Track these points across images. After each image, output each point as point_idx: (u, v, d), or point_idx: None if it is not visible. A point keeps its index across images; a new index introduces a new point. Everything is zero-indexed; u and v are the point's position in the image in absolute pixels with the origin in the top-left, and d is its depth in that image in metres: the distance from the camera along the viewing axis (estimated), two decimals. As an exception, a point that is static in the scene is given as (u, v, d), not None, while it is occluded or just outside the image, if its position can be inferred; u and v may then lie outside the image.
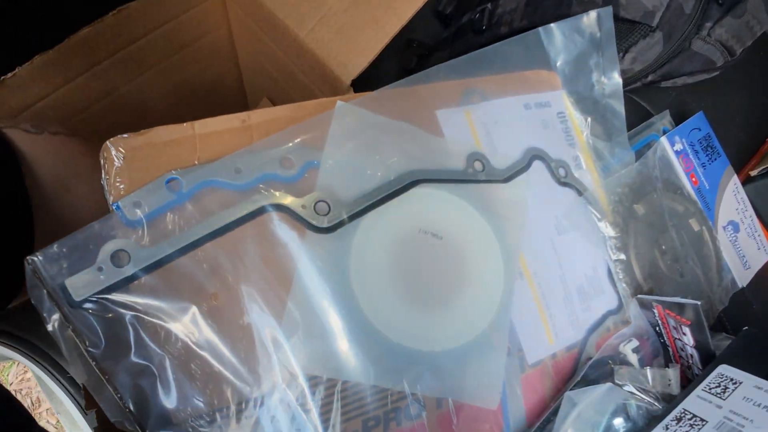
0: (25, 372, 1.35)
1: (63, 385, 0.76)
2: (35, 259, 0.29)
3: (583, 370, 0.42)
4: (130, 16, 0.54)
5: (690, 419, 0.38)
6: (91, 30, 0.52)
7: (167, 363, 0.32)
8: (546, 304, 0.43)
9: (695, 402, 0.39)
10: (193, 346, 0.33)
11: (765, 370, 0.38)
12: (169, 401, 0.32)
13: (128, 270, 0.31)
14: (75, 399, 0.78)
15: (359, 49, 0.47)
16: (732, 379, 0.39)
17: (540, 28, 0.45)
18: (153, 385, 0.32)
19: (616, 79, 0.47)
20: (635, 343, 0.43)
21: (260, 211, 0.34)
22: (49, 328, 0.30)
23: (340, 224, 0.36)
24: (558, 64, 0.47)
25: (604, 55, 0.47)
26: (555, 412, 0.40)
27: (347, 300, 0.36)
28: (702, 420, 0.37)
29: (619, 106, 0.48)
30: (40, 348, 0.77)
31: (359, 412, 0.36)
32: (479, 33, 0.63)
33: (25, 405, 0.82)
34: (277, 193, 0.35)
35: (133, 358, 0.31)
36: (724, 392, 0.38)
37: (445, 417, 0.38)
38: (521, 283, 0.42)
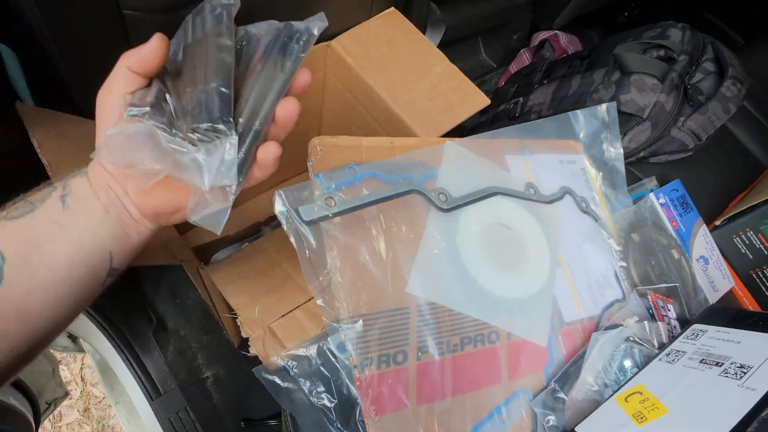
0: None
1: (136, 372, 0.90)
2: (281, 192, 0.50)
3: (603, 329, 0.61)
4: None
5: (675, 353, 0.57)
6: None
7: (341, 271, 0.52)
8: (576, 285, 0.63)
9: (677, 344, 0.58)
10: (361, 264, 0.52)
11: (723, 323, 0.58)
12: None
13: (333, 209, 0.51)
14: (145, 387, 0.91)
15: (434, 125, 0.71)
16: (701, 330, 0.59)
17: (570, 113, 0.70)
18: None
19: (619, 149, 0.71)
20: (635, 318, 0.63)
21: (408, 192, 0.55)
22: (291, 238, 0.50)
23: (454, 208, 0.57)
24: (581, 136, 0.70)
25: (611, 132, 0.71)
26: (583, 354, 0.59)
27: (454, 255, 0.56)
28: (683, 352, 0.57)
29: (621, 167, 0.71)
30: (124, 335, 0.92)
31: (460, 332, 0.55)
32: (513, 119, 0.88)
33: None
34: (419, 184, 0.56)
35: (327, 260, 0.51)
36: (696, 337, 0.58)
37: (512, 346, 0.57)
38: (559, 269, 0.63)
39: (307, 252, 0.51)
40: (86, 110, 0.63)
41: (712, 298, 0.73)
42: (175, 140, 0.40)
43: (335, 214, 0.52)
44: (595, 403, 0.56)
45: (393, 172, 0.56)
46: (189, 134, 0.40)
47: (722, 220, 0.77)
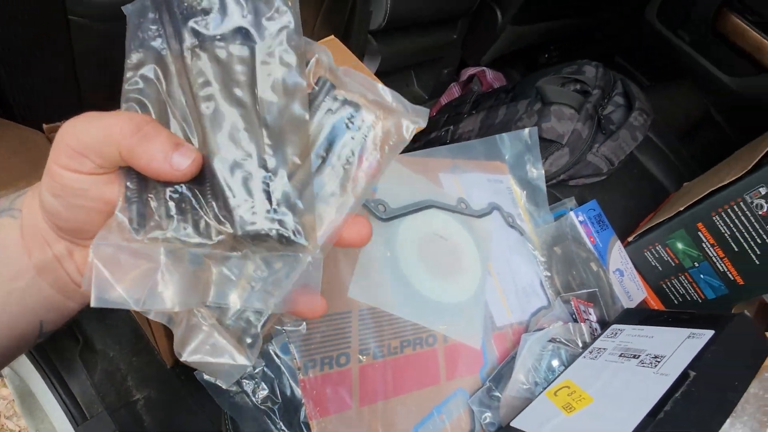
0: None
1: (60, 395, 0.87)
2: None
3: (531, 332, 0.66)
4: None
5: (597, 350, 0.62)
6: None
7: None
8: (505, 293, 0.67)
9: (599, 343, 0.63)
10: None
11: (637, 322, 0.64)
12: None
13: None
14: (70, 411, 0.87)
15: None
16: (619, 329, 0.64)
17: (497, 136, 0.75)
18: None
19: (540, 170, 0.77)
20: (560, 322, 0.67)
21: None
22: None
23: (392, 218, 0.61)
24: (506, 158, 0.76)
25: (533, 155, 0.77)
26: (515, 355, 0.63)
27: (393, 262, 0.59)
28: (604, 349, 0.61)
29: (543, 186, 0.77)
30: (48, 355, 0.88)
31: (399, 335, 0.58)
32: (444, 145, 0.93)
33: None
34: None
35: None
36: (615, 335, 0.63)
37: (449, 348, 0.60)
38: (489, 278, 0.67)
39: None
40: (20, 115, 0.62)
41: (628, 306, 0.79)
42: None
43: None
44: (527, 401, 0.59)
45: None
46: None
47: (634, 236, 0.85)
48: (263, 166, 0.30)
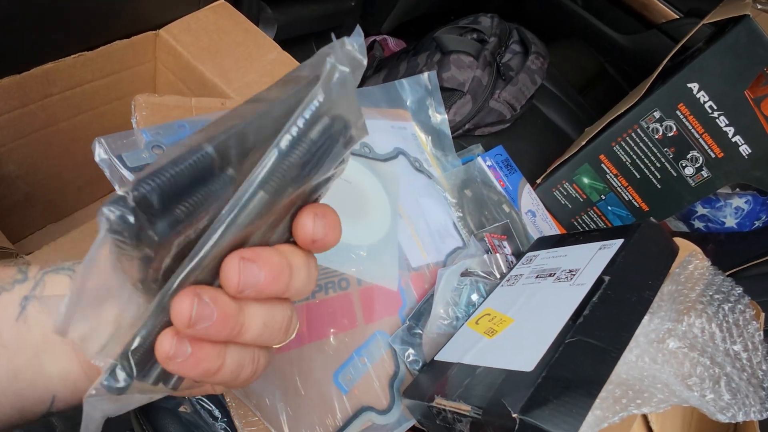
0: None
1: None
2: (102, 139, 0.47)
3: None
4: (86, 62, 0.69)
5: (514, 278, 0.61)
6: (53, 66, 0.66)
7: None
8: (418, 234, 0.65)
9: (515, 270, 0.62)
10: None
11: (550, 246, 0.63)
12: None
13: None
14: None
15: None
16: (534, 255, 0.64)
17: (396, 81, 0.74)
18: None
19: (443, 114, 0.76)
20: (477, 258, 0.66)
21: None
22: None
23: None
24: (408, 104, 0.75)
25: (434, 99, 0.75)
26: (433, 294, 0.61)
27: (298, 206, 0.56)
28: (520, 275, 0.61)
29: (447, 131, 0.76)
30: None
31: (310, 279, 0.55)
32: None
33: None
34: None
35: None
36: (530, 261, 0.63)
37: (364, 291, 0.58)
38: (401, 220, 0.65)
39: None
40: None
41: (543, 245, 0.79)
42: None
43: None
44: (449, 336, 0.58)
45: (227, 129, 0.56)
46: None
47: (542, 177, 0.85)
48: None
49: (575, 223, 0.85)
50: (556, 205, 0.85)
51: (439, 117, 0.76)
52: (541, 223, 0.81)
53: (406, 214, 0.66)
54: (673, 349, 0.45)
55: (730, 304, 0.49)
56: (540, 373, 0.43)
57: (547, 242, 0.66)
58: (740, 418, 0.43)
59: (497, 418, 0.43)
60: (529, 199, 0.82)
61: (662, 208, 0.77)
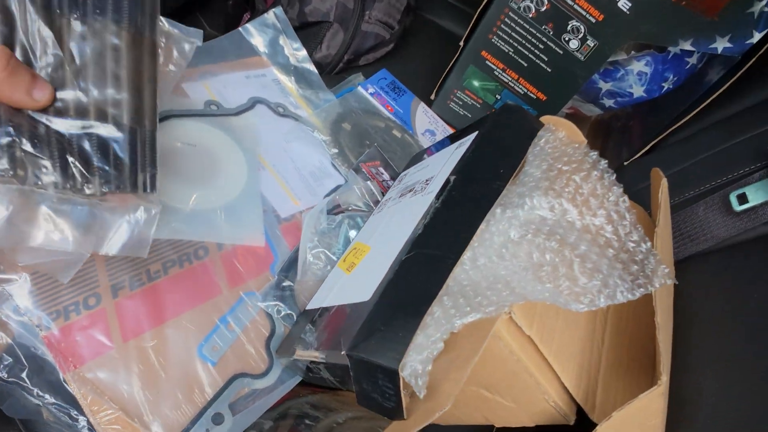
0: None
1: None
2: None
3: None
4: None
5: (384, 203, 0.57)
6: None
7: None
8: (286, 182, 0.61)
9: (387, 195, 0.58)
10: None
11: (419, 160, 0.59)
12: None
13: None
14: None
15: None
16: (404, 174, 0.59)
17: (240, 28, 0.68)
18: None
19: (301, 51, 0.70)
20: (352, 193, 0.62)
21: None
22: None
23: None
24: (261, 49, 0.69)
25: (288, 36, 0.70)
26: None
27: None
28: (389, 198, 0.56)
29: (311, 67, 0.70)
30: None
31: (159, 258, 0.51)
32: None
33: None
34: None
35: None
36: (400, 181, 0.58)
37: (226, 254, 0.54)
38: (264, 171, 0.60)
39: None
40: None
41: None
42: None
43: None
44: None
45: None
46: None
47: (434, 92, 0.80)
48: None
49: (478, 131, 0.79)
50: (455, 117, 0.79)
51: (300, 54, 0.71)
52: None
53: (270, 164, 0.61)
54: (515, 239, 0.40)
55: (582, 173, 0.44)
56: (373, 301, 0.39)
57: (419, 156, 0.61)
58: (601, 303, 0.38)
59: (338, 360, 0.40)
60: (424, 118, 0.77)
61: (559, 93, 0.71)
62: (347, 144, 0.67)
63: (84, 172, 0.40)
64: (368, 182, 0.60)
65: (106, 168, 0.41)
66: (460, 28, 0.93)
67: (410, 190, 0.52)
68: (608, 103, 0.77)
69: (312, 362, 0.44)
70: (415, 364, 0.35)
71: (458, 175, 0.46)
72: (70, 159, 0.39)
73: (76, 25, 0.40)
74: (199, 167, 0.57)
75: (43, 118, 0.39)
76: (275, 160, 0.62)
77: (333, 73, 0.80)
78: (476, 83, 0.75)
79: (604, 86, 0.75)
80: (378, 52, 0.83)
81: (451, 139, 0.57)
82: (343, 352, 0.37)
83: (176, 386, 0.47)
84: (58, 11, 0.39)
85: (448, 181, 0.46)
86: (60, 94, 0.39)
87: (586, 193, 0.43)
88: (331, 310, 0.45)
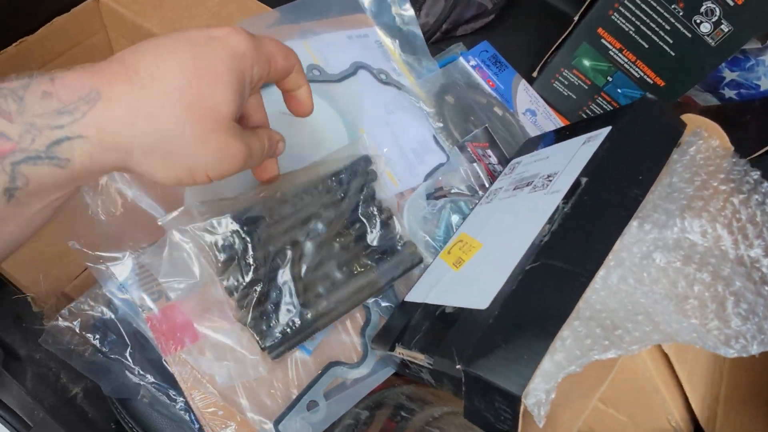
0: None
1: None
2: None
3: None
4: (29, 47, 0.65)
5: (494, 192, 0.53)
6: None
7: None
8: (386, 161, 0.57)
9: (497, 183, 0.54)
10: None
11: (535, 148, 0.55)
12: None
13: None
14: (11, 424, 0.82)
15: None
16: (517, 162, 0.55)
17: (347, -15, 0.64)
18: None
19: (409, 11, 0.65)
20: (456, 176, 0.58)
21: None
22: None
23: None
24: (366, 6, 0.65)
25: (396, -4, 0.65)
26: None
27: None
28: (500, 188, 0.52)
29: (417, 30, 0.66)
30: None
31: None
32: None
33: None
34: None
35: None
36: (512, 170, 0.54)
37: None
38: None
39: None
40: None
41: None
42: None
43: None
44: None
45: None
46: None
47: (537, 69, 0.74)
48: None
49: (583, 115, 0.74)
50: (558, 98, 0.74)
51: (406, 15, 0.66)
52: (544, 121, 0.71)
53: (372, 139, 0.58)
54: (661, 265, 0.36)
55: (742, 195, 0.39)
56: (493, 311, 0.36)
57: (533, 144, 0.57)
58: (755, 350, 0.34)
59: (447, 369, 0.37)
60: (525, 96, 0.72)
61: (681, 80, 0.65)
62: (451, 118, 0.63)
63: None
64: (474, 164, 0.57)
65: None
66: (565, 4, 0.86)
67: (527, 184, 0.48)
68: (729, 94, 0.70)
69: (413, 363, 0.42)
70: (540, 393, 0.32)
71: (590, 176, 0.42)
72: None
73: None
74: (300, 138, 0.54)
75: None
76: (376, 134, 0.58)
77: (429, 42, 0.75)
78: (587, 62, 0.69)
79: (729, 75, 0.68)
80: (477, 22, 0.78)
81: (571, 130, 0.52)
82: (458, 366, 0.35)
83: (272, 373, 0.46)
84: None
85: (578, 182, 0.42)
86: None
87: (744, 219, 0.38)
88: (436, 309, 0.43)
